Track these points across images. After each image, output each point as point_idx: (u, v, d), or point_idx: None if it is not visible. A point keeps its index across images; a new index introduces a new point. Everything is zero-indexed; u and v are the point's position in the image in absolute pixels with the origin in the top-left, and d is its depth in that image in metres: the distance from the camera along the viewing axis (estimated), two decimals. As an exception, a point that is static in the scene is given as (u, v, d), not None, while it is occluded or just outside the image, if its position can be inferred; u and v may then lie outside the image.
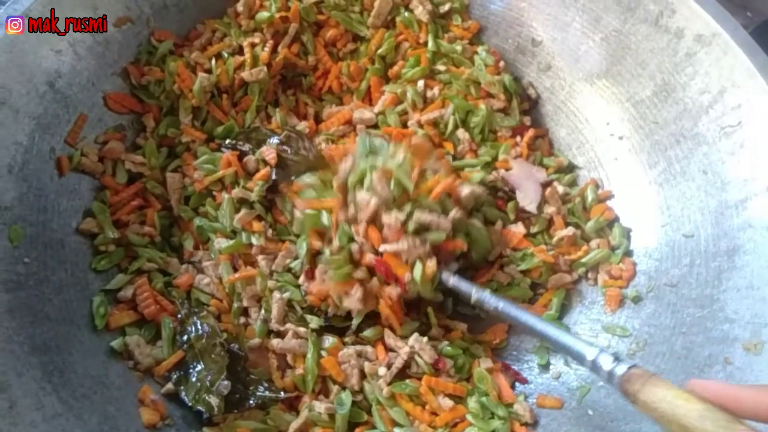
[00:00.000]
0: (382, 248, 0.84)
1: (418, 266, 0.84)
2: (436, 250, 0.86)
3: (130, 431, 0.77)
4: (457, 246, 0.89)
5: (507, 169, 1.00)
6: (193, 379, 0.82)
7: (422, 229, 0.85)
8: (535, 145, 1.05)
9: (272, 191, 0.94)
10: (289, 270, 0.92)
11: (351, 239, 0.87)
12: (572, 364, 0.90)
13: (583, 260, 0.95)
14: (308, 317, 0.88)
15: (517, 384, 0.91)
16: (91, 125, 0.92)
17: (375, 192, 0.85)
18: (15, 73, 0.82)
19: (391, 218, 0.84)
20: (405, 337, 0.88)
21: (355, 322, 0.89)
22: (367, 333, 0.89)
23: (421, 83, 1.04)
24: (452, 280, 0.87)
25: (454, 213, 0.88)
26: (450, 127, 1.01)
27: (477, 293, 0.84)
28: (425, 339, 0.88)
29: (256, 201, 0.92)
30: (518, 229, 0.97)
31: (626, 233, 0.96)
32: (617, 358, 0.66)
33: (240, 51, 1.02)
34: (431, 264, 0.84)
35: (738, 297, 0.80)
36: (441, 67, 1.05)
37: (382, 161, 0.88)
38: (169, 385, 0.83)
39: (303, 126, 1.02)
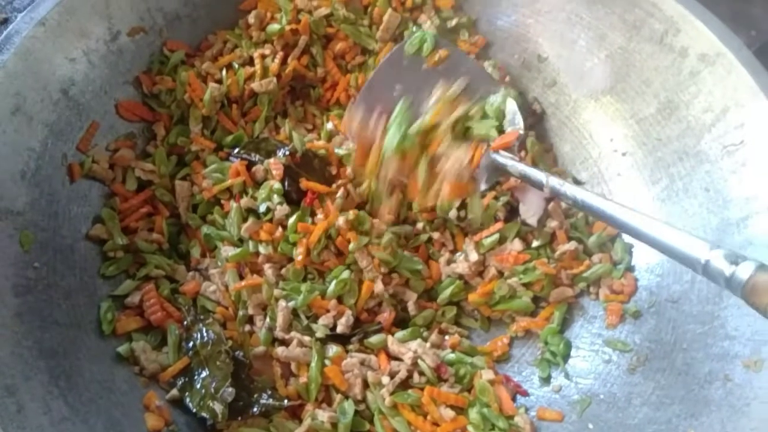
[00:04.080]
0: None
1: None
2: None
3: (135, 436, 0.78)
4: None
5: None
6: (198, 386, 0.83)
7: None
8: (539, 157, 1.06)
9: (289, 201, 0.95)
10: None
11: None
12: (573, 377, 0.91)
13: (585, 274, 0.96)
14: (313, 326, 0.89)
15: (518, 396, 0.91)
16: (103, 133, 0.94)
17: None
18: (30, 81, 0.84)
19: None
20: (406, 341, 0.90)
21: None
22: (372, 340, 0.90)
23: (427, 96, 1.05)
24: (519, 167, 0.87)
25: None
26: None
27: (551, 181, 0.81)
28: (428, 344, 0.89)
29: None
30: (514, 246, 0.98)
31: (628, 249, 0.97)
32: (736, 258, 0.54)
33: (250, 62, 1.04)
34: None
35: (738, 314, 0.81)
36: (448, 82, 1.07)
37: None
38: (174, 391, 0.84)
39: (310, 137, 1.03)
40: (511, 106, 0.96)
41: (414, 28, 1.07)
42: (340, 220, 0.91)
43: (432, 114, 0.93)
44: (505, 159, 0.91)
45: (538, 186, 0.85)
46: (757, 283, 0.49)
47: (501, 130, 0.95)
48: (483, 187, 0.94)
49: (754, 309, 0.51)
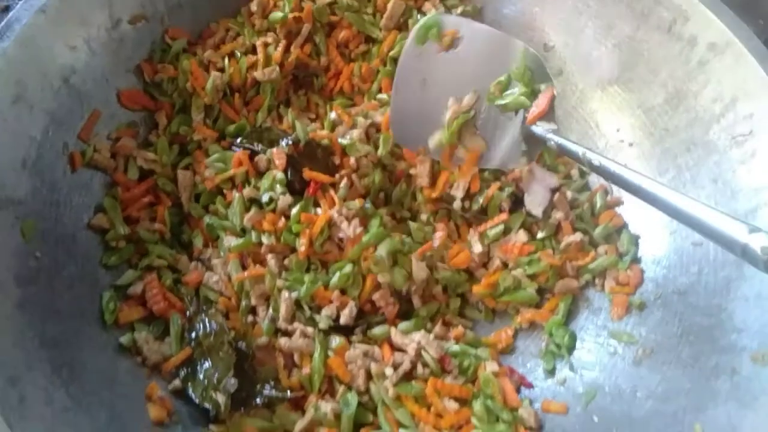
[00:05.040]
0: None
1: None
2: None
3: (138, 427, 0.78)
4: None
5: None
6: (201, 377, 0.82)
7: None
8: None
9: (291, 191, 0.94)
10: None
11: None
12: (578, 369, 0.90)
13: (591, 266, 0.95)
14: (316, 317, 0.89)
15: (522, 388, 0.91)
16: (104, 121, 0.93)
17: None
18: (30, 69, 0.83)
19: None
20: (409, 332, 0.90)
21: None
22: (376, 331, 0.89)
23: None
24: (557, 140, 0.86)
25: None
26: None
27: (586, 153, 0.80)
28: (432, 336, 0.88)
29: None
30: (519, 237, 0.97)
31: (635, 240, 0.96)
32: None
33: (253, 50, 1.03)
34: None
35: (746, 307, 0.80)
36: (452, 70, 1.05)
37: None
38: (177, 382, 0.83)
39: (313, 126, 1.02)
40: (533, 62, 0.92)
41: (418, 16, 1.06)
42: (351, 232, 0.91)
43: (448, 133, 0.94)
44: (543, 131, 0.89)
45: (575, 159, 0.83)
46: None
47: (533, 92, 0.92)
48: (523, 161, 0.93)
49: None
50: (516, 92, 0.92)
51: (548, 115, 0.91)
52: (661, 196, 0.71)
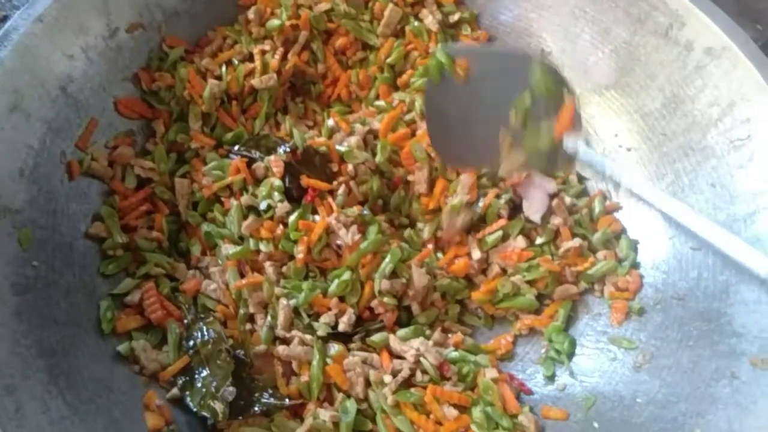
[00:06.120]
0: None
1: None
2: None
3: (135, 436, 0.77)
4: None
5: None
6: (199, 385, 0.82)
7: None
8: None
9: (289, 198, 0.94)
10: None
11: None
12: (578, 375, 0.90)
13: (590, 272, 0.95)
14: (315, 324, 0.88)
15: (522, 395, 0.90)
16: (102, 130, 0.93)
17: None
18: (28, 77, 0.83)
19: None
20: (408, 339, 0.89)
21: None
22: (374, 338, 0.89)
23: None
24: (581, 150, 0.86)
25: None
26: None
27: (611, 168, 0.82)
28: (431, 342, 0.88)
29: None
30: (518, 243, 0.97)
31: (633, 245, 0.96)
32: None
33: (250, 58, 1.03)
34: None
35: (746, 311, 0.80)
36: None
37: None
38: (175, 391, 0.83)
39: (311, 134, 1.02)
40: (549, 70, 0.89)
41: (415, 23, 1.06)
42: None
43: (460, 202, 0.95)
44: (573, 145, 0.87)
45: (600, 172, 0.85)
46: None
47: (556, 97, 0.89)
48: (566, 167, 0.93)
49: None
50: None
51: (576, 125, 0.88)
52: (671, 212, 0.75)
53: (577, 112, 0.87)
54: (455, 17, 1.08)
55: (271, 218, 0.92)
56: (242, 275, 0.91)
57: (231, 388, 0.80)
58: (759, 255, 0.64)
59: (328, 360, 0.86)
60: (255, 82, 1.01)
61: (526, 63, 0.89)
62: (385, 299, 0.90)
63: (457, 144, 0.96)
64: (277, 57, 1.02)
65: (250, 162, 0.96)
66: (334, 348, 0.87)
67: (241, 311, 0.90)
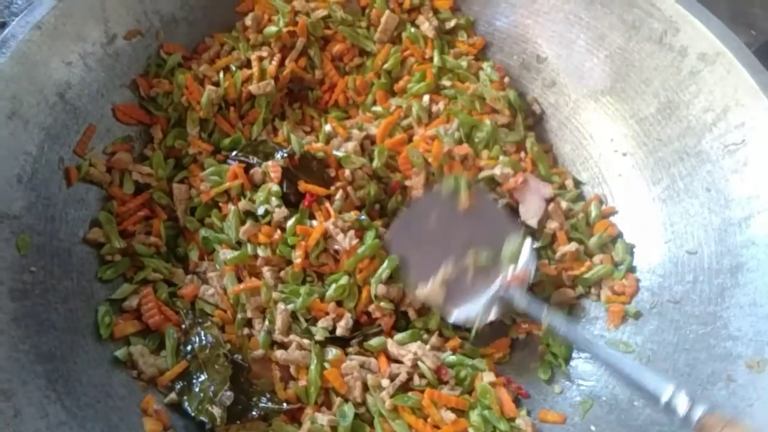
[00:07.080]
0: None
1: None
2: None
3: (133, 441, 0.77)
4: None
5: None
6: (197, 390, 0.82)
7: None
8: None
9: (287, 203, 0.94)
10: None
11: None
12: (575, 379, 0.90)
13: (586, 276, 0.95)
14: (312, 329, 0.89)
15: (519, 398, 0.91)
16: (100, 136, 0.93)
17: None
18: (26, 84, 0.83)
19: None
20: (405, 343, 0.89)
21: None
22: (372, 342, 0.89)
23: (426, 98, 1.04)
24: (524, 301, 0.88)
25: None
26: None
27: (548, 317, 0.85)
28: (428, 347, 0.88)
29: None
30: None
31: (629, 249, 0.96)
32: (692, 400, 0.66)
33: (248, 64, 1.03)
34: None
35: (741, 314, 0.80)
36: (446, 83, 1.06)
37: None
38: (173, 395, 0.83)
39: (309, 139, 1.02)
40: (526, 250, 0.93)
41: (411, 29, 1.07)
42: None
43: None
44: (513, 292, 0.90)
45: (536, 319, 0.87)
46: (706, 424, 0.63)
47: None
48: (491, 317, 0.91)
49: None
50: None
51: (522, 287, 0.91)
52: (594, 351, 0.81)
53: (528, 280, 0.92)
54: (451, 23, 1.09)
55: (269, 223, 0.92)
56: (240, 280, 0.91)
57: (229, 393, 0.80)
58: (659, 380, 0.70)
59: (326, 364, 0.86)
60: (252, 88, 1.01)
61: (511, 230, 0.94)
62: (382, 304, 0.90)
63: (413, 263, 0.94)
64: (274, 63, 1.03)
65: (248, 167, 0.96)
66: (332, 352, 0.87)
67: (239, 316, 0.90)
